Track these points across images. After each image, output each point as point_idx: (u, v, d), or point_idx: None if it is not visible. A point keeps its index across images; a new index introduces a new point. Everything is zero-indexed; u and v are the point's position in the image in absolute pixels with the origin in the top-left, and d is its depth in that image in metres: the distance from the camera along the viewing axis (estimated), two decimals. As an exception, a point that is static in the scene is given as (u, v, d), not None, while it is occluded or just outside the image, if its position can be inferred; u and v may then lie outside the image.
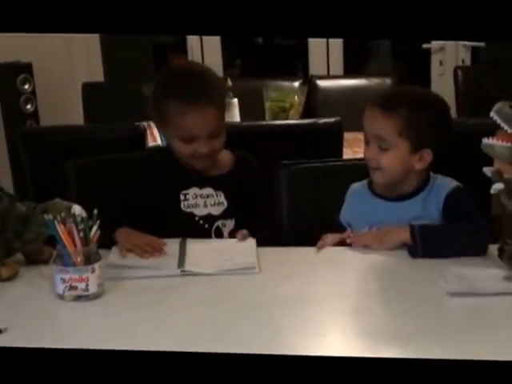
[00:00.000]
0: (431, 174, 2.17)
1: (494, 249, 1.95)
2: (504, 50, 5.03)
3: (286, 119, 3.92)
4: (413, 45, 5.96)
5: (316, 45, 5.61)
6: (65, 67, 5.34)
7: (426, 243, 1.99)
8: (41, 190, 2.95)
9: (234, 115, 3.86)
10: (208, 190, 2.34)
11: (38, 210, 1.94)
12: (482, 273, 1.84)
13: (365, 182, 2.24)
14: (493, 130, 1.91)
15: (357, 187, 2.27)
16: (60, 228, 1.77)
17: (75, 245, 1.76)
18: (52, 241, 1.83)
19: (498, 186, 1.83)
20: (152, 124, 3.68)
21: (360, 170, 2.21)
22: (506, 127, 1.80)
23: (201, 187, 2.34)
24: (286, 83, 4.72)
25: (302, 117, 4.11)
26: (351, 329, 1.63)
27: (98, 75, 5.50)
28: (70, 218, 1.78)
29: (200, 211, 2.32)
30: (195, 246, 2.12)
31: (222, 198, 2.34)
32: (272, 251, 2.10)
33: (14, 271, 1.90)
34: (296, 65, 6.53)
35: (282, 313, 1.68)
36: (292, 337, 1.55)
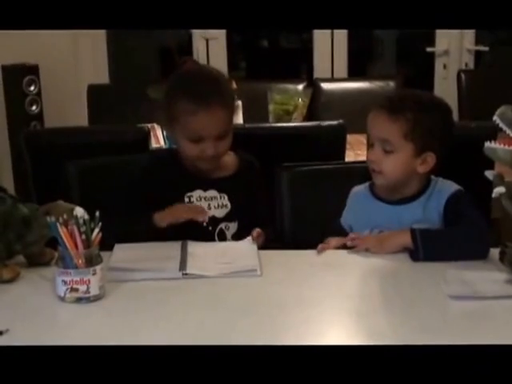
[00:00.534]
0: (432, 177, 2.18)
1: (495, 252, 1.95)
2: (507, 54, 5.03)
3: (290, 122, 3.92)
4: (417, 48, 5.96)
5: (320, 48, 5.61)
6: (71, 69, 5.35)
7: (428, 247, 1.99)
8: (43, 191, 2.95)
9: (238, 117, 3.86)
10: (212, 193, 2.34)
11: (41, 211, 1.94)
12: (484, 276, 1.84)
13: (366, 184, 2.25)
14: (495, 133, 1.91)
15: (358, 190, 2.27)
16: (62, 230, 1.77)
17: (77, 247, 1.76)
18: (53, 243, 1.83)
19: (499, 190, 1.83)
20: (156, 126, 3.68)
21: (362, 172, 2.21)
22: (508, 131, 1.80)
23: (205, 189, 2.34)
24: (290, 86, 4.71)
25: (306, 119, 4.10)
26: (352, 332, 1.63)
27: (103, 77, 5.51)
28: (72, 220, 1.78)
29: None
30: (197, 249, 2.12)
31: (225, 200, 2.34)
32: (273, 254, 2.10)
33: (15, 273, 1.90)
34: (300, 67, 6.53)
35: (282, 315, 1.68)
36: (292, 339, 1.55)
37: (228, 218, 2.34)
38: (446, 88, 5.39)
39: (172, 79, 2.35)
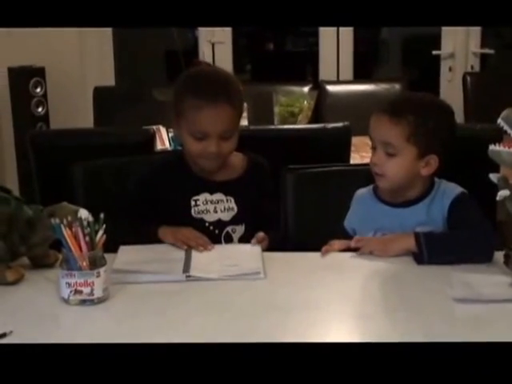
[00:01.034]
0: (435, 179, 2.18)
1: (499, 255, 1.95)
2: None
3: (295, 124, 3.92)
4: (422, 50, 5.96)
5: (326, 50, 5.61)
6: (77, 71, 5.36)
7: (432, 251, 1.98)
8: (48, 193, 2.95)
9: (243, 119, 3.86)
10: (218, 196, 2.34)
11: (45, 213, 1.94)
12: (488, 279, 1.84)
13: (370, 187, 2.25)
14: (500, 136, 1.91)
15: (362, 193, 2.27)
16: (66, 232, 1.77)
17: (81, 249, 1.76)
18: (58, 244, 1.83)
19: (503, 193, 1.83)
20: (161, 128, 3.69)
21: (367, 175, 2.21)
22: (512, 134, 1.80)
23: (211, 193, 2.34)
24: (296, 88, 4.71)
25: (311, 122, 4.11)
26: (356, 334, 1.63)
27: (109, 80, 5.52)
28: (77, 222, 1.78)
29: (210, 217, 2.32)
30: (201, 252, 2.12)
31: (232, 203, 2.34)
32: (277, 256, 2.10)
33: (19, 275, 1.90)
34: (306, 70, 6.53)
35: (286, 317, 1.68)
36: (296, 341, 1.55)
37: (234, 221, 2.34)
38: (451, 91, 5.38)
39: (181, 78, 2.36)
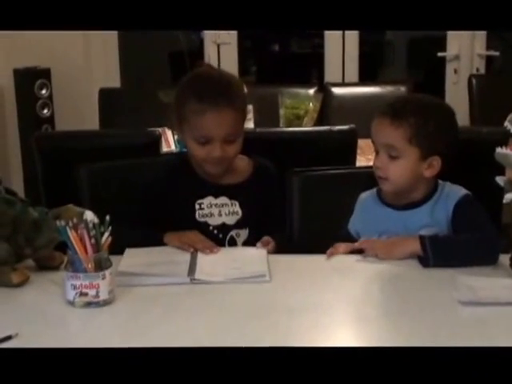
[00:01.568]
0: (439, 181, 2.17)
1: (505, 258, 1.94)
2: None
3: (301, 126, 3.91)
4: (427, 53, 5.95)
5: (331, 52, 5.60)
6: (82, 73, 5.36)
7: (437, 254, 1.98)
8: (53, 195, 2.95)
9: (249, 121, 3.86)
10: (223, 199, 2.34)
11: (51, 215, 1.94)
12: (494, 282, 1.84)
13: (374, 190, 2.25)
14: (506, 139, 1.91)
15: (366, 196, 2.27)
16: (72, 234, 1.77)
17: (86, 251, 1.76)
18: (63, 246, 1.83)
19: (510, 196, 1.83)
20: (167, 130, 3.68)
21: (373, 177, 2.20)
22: (519, 137, 1.80)
23: (216, 196, 2.33)
24: (301, 90, 4.70)
25: (317, 124, 4.09)
26: (361, 337, 1.63)
27: (115, 81, 5.52)
28: (82, 224, 1.78)
29: (214, 221, 2.32)
30: (206, 254, 2.12)
31: (236, 207, 2.34)
32: (282, 258, 2.10)
33: (24, 277, 1.90)
34: (311, 72, 6.53)
35: (291, 320, 1.68)
36: (301, 344, 1.54)
37: (239, 225, 2.34)
38: (456, 93, 5.37)
39: (183, 81, 2.35)
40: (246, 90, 2.97)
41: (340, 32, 5.52)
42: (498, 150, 1.85)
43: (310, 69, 6.56)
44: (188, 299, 1.83)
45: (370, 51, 6.33)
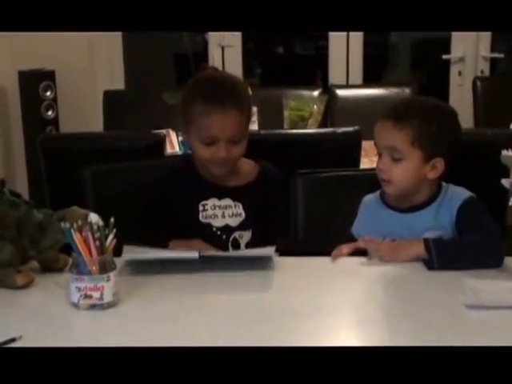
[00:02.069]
0: (443, 183, 2.17)
1: (509, 261, 1.94)
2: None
3: (305, 128, 3.91)
4: (432, 55, 5.95)
5: (335, 54, 5.61)
6: (87, 75, 5.37)
7: (442, 257, 1.97)
8: (58, 197, 2.96)
9: (253, 124, 3.86)
10: (227, 201, 2.35)
11: (55, 217, 1.94)
12: (499, 286, 1.83)
13: (377, 193, 2.25)
14: (511, 141, 1.90)
15: (369, 199, 2.27)
16: (76, 236, 1.76)
17: (91, 253, 1.76)
18: (67, 249, 1.83)
19: (515, 198, 1.83)
20: (171, 132, 3.69)
21: (377, 179, 2.20)
22: (524, 139, 1.80)
23: (220, 198, 2.34)
24: (306, 92, 4.70)
25: (321, 126, 4.10)
26: (366, 339, 1.62)
27: (119, 83, 5.53)
28: (87, 226, 1.78)
29: (218, 222, 2.33)
30: (212, 252, 2.14)
31: (240, 209, 2.35)
32: (286, 260, 2.09)
33: (29, 279, 1.90)
34: (315, 74, 6.52)
35: (296, 322, 1.67)
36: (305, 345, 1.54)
37: (242, 227, 2.35)
38: (461, 95, 5.37)
39: (189, 83, 2.36)
40: (250, 91, 2.97)
41: (344, 34, 5.52)
42: (504, 152, 1.85)
43: (314, 71, 6.56)
44: (193, 300, 1.82)
45: (374, 53, 6.33)
